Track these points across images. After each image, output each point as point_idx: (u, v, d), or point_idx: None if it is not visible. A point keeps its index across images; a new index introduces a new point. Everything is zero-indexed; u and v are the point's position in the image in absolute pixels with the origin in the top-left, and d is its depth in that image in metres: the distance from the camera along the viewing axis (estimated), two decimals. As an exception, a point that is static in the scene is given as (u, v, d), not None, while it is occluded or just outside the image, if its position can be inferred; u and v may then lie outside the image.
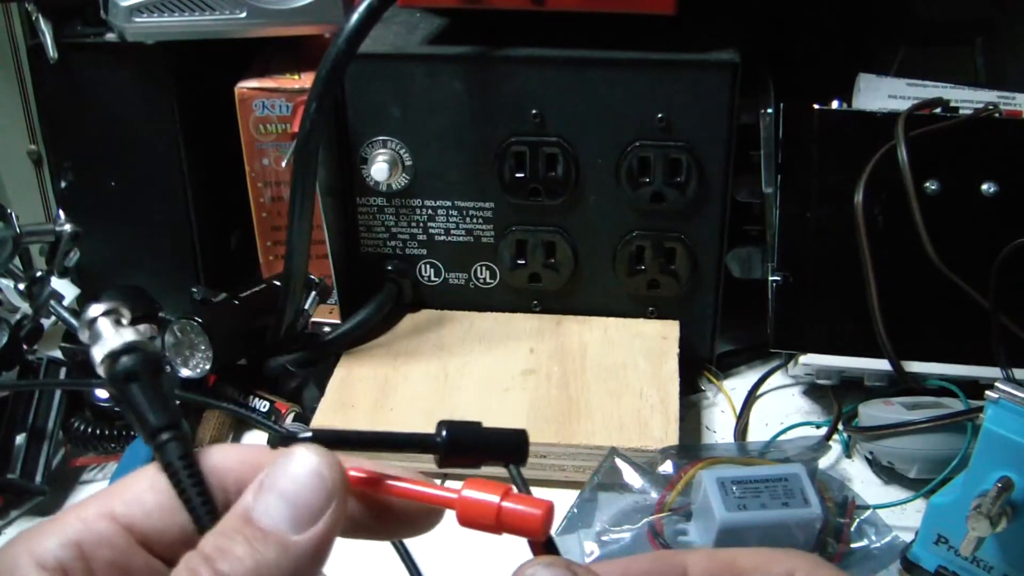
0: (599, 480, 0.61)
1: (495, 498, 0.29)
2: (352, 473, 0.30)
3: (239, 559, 0.26)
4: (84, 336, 0.31)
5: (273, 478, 0.27)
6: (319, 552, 0.27)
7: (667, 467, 0.61)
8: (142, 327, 0.31)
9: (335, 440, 0.30)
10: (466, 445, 0.31)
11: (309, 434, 0.30)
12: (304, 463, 0.28)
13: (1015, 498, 0.50)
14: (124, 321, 0.31)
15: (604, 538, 0.57)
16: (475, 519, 0.29)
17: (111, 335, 0.30)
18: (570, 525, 0.59)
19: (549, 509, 0.30)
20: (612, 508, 0.59)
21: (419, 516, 0.31)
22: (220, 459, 0.30)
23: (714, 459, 0.61)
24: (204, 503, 0.29)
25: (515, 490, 0.30)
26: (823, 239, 0.70)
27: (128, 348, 0.30)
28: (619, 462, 0.61)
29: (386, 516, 0.31)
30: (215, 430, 0.68)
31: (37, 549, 0.27)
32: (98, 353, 0.30)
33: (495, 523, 0.29)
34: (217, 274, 0.81)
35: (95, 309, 0.31)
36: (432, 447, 0.31)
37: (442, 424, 0.31)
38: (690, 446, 0.66)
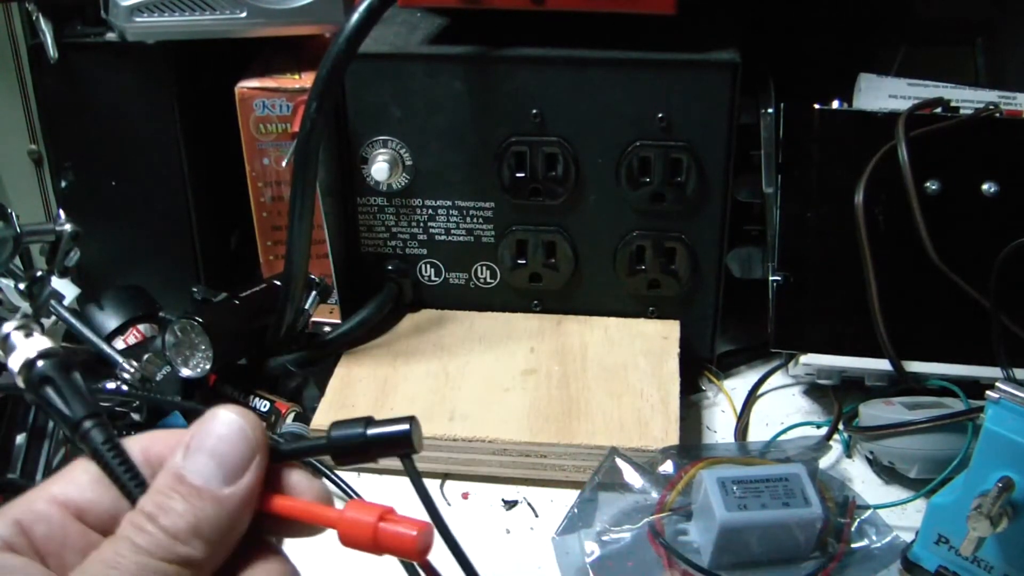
0: (599, 480, 0.61)
1: (371, 519, 0.30)
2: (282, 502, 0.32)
3: (179, 515, 0.29)
4: (1, 356, 0.34)
5: (200, 439, 0.30)
6: (249, 502, 0.30)
7: (667, 467, 0.61)
8: (40, 338, 0.33)
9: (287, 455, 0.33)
10: (352, 444, 0.32)
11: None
12: (227, 422, 0.30)
13: (1016, 498, 0.50)
14: (35, 332, 0.33)
15: (604, 538, 0.57)
16: (355, 540, 0.31)
17: (23, 345, 0.33)
18: (570, 525, 0.59)
19: (425, 531, 0.31)
20: (612, 508, 0.59)
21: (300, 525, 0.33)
22: (148, 442, 0.33)
23: (714, 459, 0.61)
24: (132, 478, 0.31)
25: (397, 511, 0.31)
26: (823, 239, 0.70)
27: (40, 355, 0.32)
28: (619, 462, 0.61)
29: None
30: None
31: None
32: (14, 364, 0.33)
33: (373, 544, 0.30)
34: (217, 274, 0.81)
35: (7, 326, 0.33)
36: (321, 449, 0.33)
37: (332, 426, 0.33)
38: (690, 446, 0.66)
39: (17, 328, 0.33)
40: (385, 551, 0.31)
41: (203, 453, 0.30)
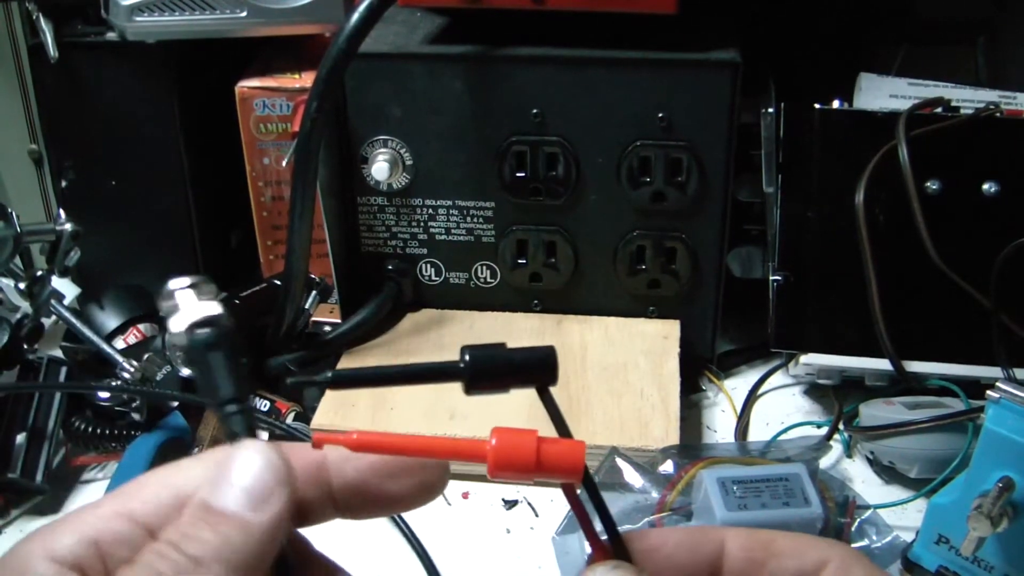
0: (600, 480, 0.61)
1: (532, 442, 0.29)
2: (368, 439, 0.31)
3: (206, 541, 0.27)
4: (162, 306, 0.32)
5: (225, 472, 0.29)
6: (276, 529, 0.29)
7: (668, 467, 0.61)
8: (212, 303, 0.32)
9: (355, 379, 0.31)
10: (491, 369, 0.30)
11: (328, 374, 0.31)
12: (252, 454, 0.29)
13: (1016, 498, 0.50)
14: (207, 296, 0.32)
15: (605, 538, 0.57)
16: (513, 465, 0.29)
17: (195, 305, 0.31)
18: (571, 525, 0.59)
19: (584, 449, 0.29)
20: (613, 508, 0.59)
21: (403, 491, 0.32)
22: (173, 475, 0.31)
23: (715, 459, 0.61)
24: None
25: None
26: (824, 239, 0.70)
27: (211, 320, 0.31)
28: (619, 462, 0.61)
29: (364, 494, 0.32)
30: (216, 429, 0.68)
31: (53, 545, 0.28)
32: (181, 321, 0.31)
33: (535, 467, 0.29)
34: (217, 273, 0.81)
35: (179, 282, 0.32)
36: (456, 374, 0.30)
37: (465, 349, 0.31)
38: (691, 446, 0.66)
39: (190, 286, 0.32)
40: (545, 473, 0.29)
41: (228, 482, 0.29)
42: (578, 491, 0.30)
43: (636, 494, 0.60)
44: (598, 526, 0.31)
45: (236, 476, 0.29)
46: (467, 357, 0.30)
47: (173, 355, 0.68)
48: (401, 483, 0.32)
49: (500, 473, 0.29)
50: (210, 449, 0.66)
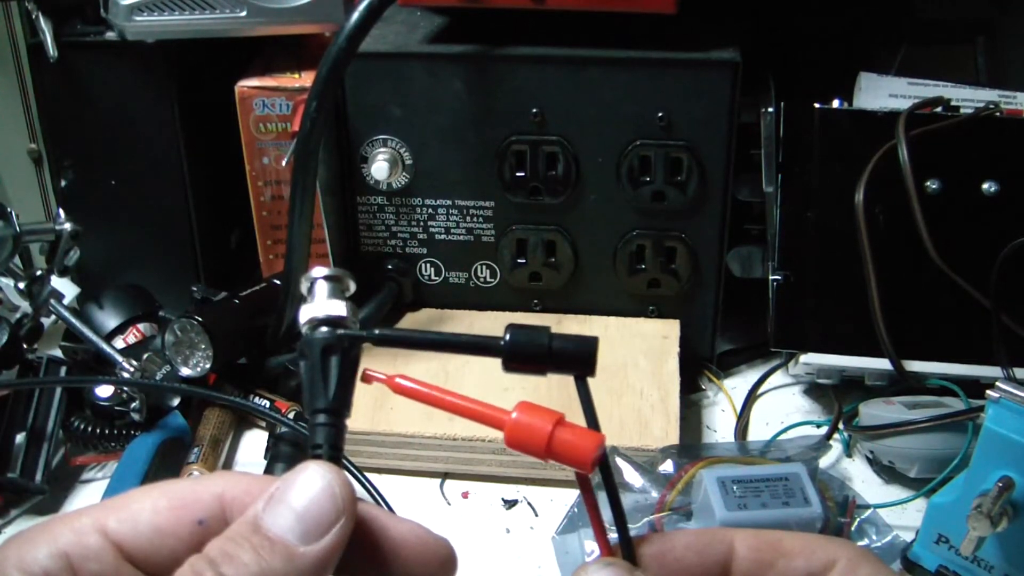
0: (599, 479, 0.61)
1: (547, 425, 0.29)
2: (404, 383, 0.31)
3: (244, 564, 0.26)
4: (303, 288, 0.31)
5: (285, 490, 0.28)
6: (324, 565, 0.27)
7: (667, 466, 0.61)
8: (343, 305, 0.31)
9: (399, 340, 0.31)
10: (529, 352, 0.30)
11: (376, 332, 0.30)
12: (316, 478, 0.28)
13: (1016, 497, 0.50)
14: (346, 293, 0.31)
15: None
16: (524, 443, 0.29)
17: (324, 302, 0.30)
18: (570, 524, 0.59)
19: (601, 442, 0.29)
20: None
21: (419, 565, 0.30)
22: (227, 484, 0.30)
23: (714, 458, 0.61)
24: None
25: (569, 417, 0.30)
26: (824, 238, 0.70)
27: (334, 320, 0.30)
28: (619, 461, 0.61)
29: (382, 561, 0.30)
30: (216, 428, 0.68)
31: (25, 557, 0.27)
32: (306, 312, 0.30)
33: (544, 451, 0.29)
34: (217, 273, 0.81)
35: (318, 271, 0.31)
36: (494, 350, 0.30)
37: (509, 327, 0.30)
38: (690, 445, 0.66)
39: (328, 279, 0.31)
40: (554, 459, 0.29)
41: (286, 506, 0.27)
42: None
43: (636, 494, 0.60)
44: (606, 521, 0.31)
45: (296, 500, 0.27)
46: (508, 336, 0.30)
47: (173, 356, 0.68)
48: (396, 567, 0.30)
49: (514, 448, 0.29)
50: (210, 449, 0.66)
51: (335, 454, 0.29)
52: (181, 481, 0.30)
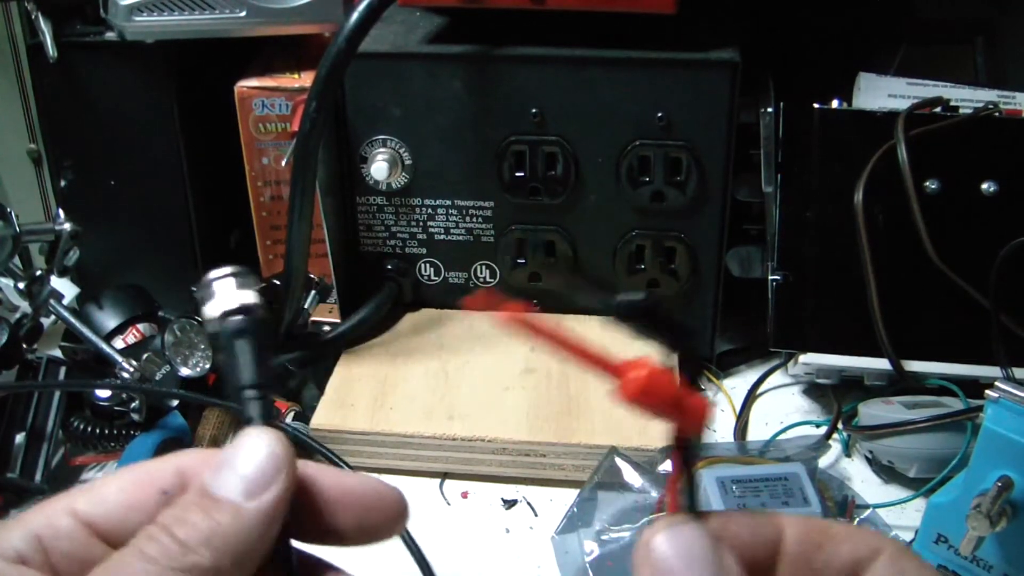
0: (599, 479, 0.61)
1: (674, 380, 0.30)
2: (533, 321, 0.32)
3: (194, 525, 0.28)
4: (199, 295, 0.33)
5: (229, 457, 0.30)
6: (270, 518, 0.29)
7: (667, 466, 0.61)
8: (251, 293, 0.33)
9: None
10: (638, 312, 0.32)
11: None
12: (256, 441, 0.30)
13: (1015, 497, 0.50)
14: (245, 286, 0.33)
15: (604, 537, 0.57)
16: (638, 398, 0.30)
17: (231, 294, 0.32)
18: (570, 524, 0.59)
19: (708, 406, 0.30)
20: (612, 507, 0.59)
21: (371, 512, 0.32)
22: (186, 461, 0.31)
23: (714, 458, 0.61)
24: None
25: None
26: (823, 238, 0.70)
27: (244, 308, 0.32)
28: (619, 461, 0.61)
29: (332, 512, 0.32)
30: (215, 428, 0.68)
31: (1, 543, 0.29)
32: (214, 308, 0.32)
33: (671, 407, 0.30)
34: (217, 273, 0.81)
35: (218, 272, 0.33)
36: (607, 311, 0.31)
37: (619, 301, 0.32)
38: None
39: (226, 276, 0.33)
40: (675, 414, 0.30)
41: (230, 469, 0.29)
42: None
43: (635, 493, 0.60)
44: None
45: (238, 462, 0.29)
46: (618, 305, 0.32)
47: (173, 356, 0.68)
48: (347, 519, 0.32)
49: (638, 399, 0.30)
50: (209, 448, 0.66)
51: (270, 422, 0.31)
52: (144, 461, 0.32)
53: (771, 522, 0.30)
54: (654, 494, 0.59)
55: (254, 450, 0.30)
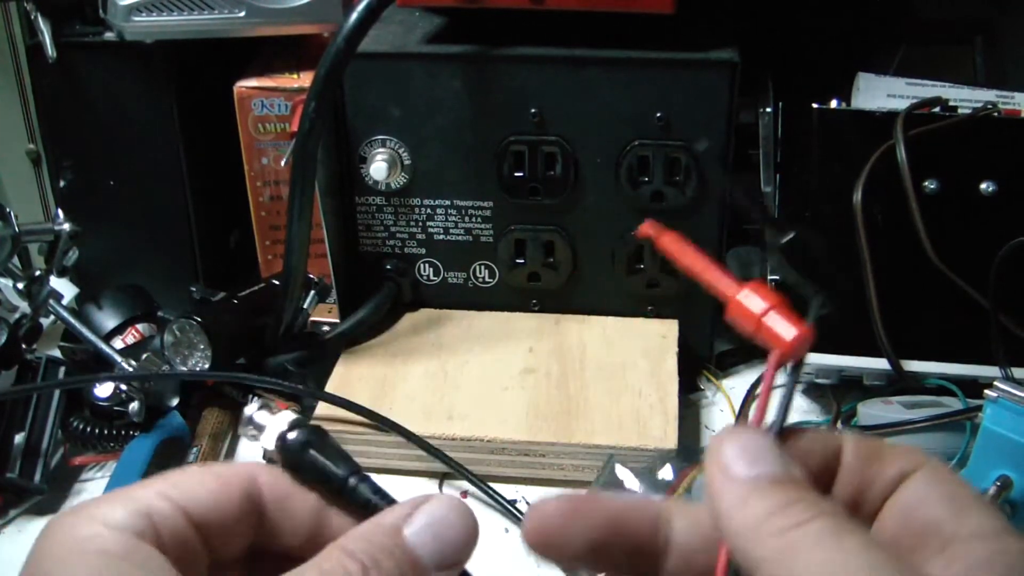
0: (600, 488, 0.60)
1: (762, 306, 0.32)
2: (669, 241, 0.35)
3: (388, 572, 0.29)
4: (246, 433, 0.35)
5: (430, 511, 0.30)
6: None
7: (666, 472, 0.60)
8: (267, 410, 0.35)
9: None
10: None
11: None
12: (458, 507, 0.30)
13: (1014, 497, 0.50)
14: (277, 407, 0.35)
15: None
16: (738, 322, 0.32)
17: (273, 419, 0.35)
18: None
19: (805, 336, 0.31)
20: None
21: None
22: (254, 472, 0.32)
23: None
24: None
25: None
26: (822, 238, 0.70)
27: (293, 424, 0.34)
28: (619, 469, 0.61)
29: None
30: (214, 428, 0.68)
31: (104, 517, 0.29)
32: (270, 438, 0.34)
33: (754, 331, 0.32)
34: (216, 273, 0.81)
35: (249, 409, 0.35)
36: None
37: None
38: (688, 449, 0.66)
39: (260, 408, 0.35)
40: (763, 341, 0.32)
41: (429, 529, 0.30)
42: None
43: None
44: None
45: (436, 522, 0.30)
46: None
47: (171, 356, 0.68)
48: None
49: (732, 319, 0.32)
50: (209, 449, 0.66)
51: (383, 495, 0.32)
52: (211, 464, 0.32)
53: (833, 437, 0.32)
54: (657, 500, 0.58)
55: (454, 517, 0.30)
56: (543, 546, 0.31)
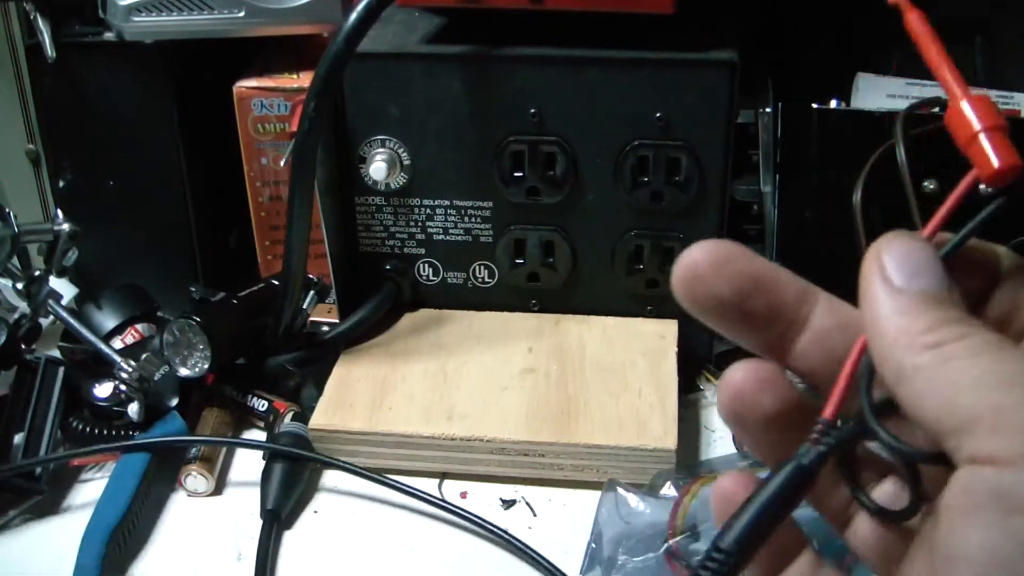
0: (605, 513, 0.60)
1: (977, 126, 0.30)
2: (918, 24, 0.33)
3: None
4: None
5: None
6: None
7: (668, 489, 0.60)
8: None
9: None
10: None
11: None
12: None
13: (1013, 497, 0.50)
14: None
15: (628, 567, 0.57)
16: (953, 127, 0.31)
17: None
18: (591, 563, 0.58)
19: (1010, 169, 0.30)
20: (625, 538, 0.58)
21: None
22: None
23: (714, 474, 0.61)
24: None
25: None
26: (822, 238, 0.70)
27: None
28: (621, 492, 0.60)
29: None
30: (214, 428, 0.68)
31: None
32: None
33: (964, 146, 0.30)
34: (216, 273, 0.81)
35: None
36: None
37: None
38: (687, 464, 0.65)
39: None
40: (969, 156, 0.31)
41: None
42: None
43: (644, 520, 0.59)
44: None
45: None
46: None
47: (171, 356, 0.68)
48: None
49: (948, 127, 0.31)
50: (208, 449, 0.66)
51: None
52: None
53: (992, 250, 0.32)
54: (663, 518, 0.58)
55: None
56: (691, 288, 0.31)
